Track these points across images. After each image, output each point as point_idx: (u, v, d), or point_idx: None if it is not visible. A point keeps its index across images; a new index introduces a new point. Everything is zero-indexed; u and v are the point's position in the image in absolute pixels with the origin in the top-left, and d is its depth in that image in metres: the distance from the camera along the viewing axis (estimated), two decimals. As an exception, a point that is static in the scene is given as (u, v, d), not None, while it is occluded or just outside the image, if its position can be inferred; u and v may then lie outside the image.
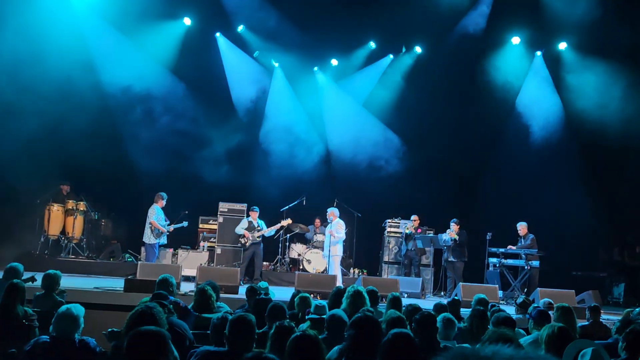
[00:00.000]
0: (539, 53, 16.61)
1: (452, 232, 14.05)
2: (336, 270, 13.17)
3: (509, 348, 1.22)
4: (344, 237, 13.65)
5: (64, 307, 4.96)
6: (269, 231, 14.13)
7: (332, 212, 13.51)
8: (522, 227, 13.94)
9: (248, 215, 14.30)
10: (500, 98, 16.59)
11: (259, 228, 14.04)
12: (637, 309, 7.80)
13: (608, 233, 16.38)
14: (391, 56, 17.09)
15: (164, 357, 3.47)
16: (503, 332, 4.45)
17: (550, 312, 7.54)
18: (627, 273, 16.07)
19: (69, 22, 14.55)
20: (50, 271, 7.75)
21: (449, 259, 14.17)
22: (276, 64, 16.88)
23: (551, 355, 1.21)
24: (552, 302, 8.62)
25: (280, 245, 15.37)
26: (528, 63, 16.74)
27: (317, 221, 15.80)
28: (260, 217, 14.17)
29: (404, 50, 16.96)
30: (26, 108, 13.53)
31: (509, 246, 13.84)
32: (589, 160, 16.12)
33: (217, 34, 16.33)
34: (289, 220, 14.38)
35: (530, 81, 16.78)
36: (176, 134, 15.81)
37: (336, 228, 13.28)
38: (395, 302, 7.16)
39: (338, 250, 13.35)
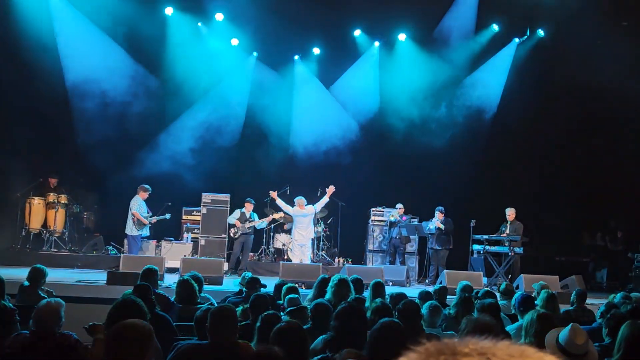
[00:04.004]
0: (517, 40, 16.64)
1: (437, 222, 14.11)
2: (295, 256, 13.95)
3: (487, 340, 1.18)
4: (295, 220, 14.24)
5: (44, 301, 4.89)
6: (260, 223, 14.13)
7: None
8: (510, 213, 13.91)
9: (242, 207, 14.27)
10: (481, 85, 16.64)
11: (250, 219, 14.03)
12: (620, 294, 7.86)
13: (591, 218, 16.49)
14: (377, 44, 17.01)
15: (147, 350, 3.41)
16: (481, 319, 4.43)
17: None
18: (610, 258, 16.21)
19: (41, 13, 14.45)
20: (37, 265, 7.69)
21: (434, 247, 14.23)
22: (255, 54, 16.73)
23: (529, 346, 1.19)
24: (547, 283, 8.66)
25: (264, 235, 15.33)
26: (506, 49, 16.77)
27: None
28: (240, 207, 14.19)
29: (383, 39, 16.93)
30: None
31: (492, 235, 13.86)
32: (571, 145, 16.21)
33: (199, 24, 16.15)
34: (281, 214, 14.41)
35: (506, 67, 16.79)
36: (156, 124, 15.70)
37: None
38: (377, 288, 7.15)
39: (295, 235, 14.16)
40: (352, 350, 3.85)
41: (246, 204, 14.20)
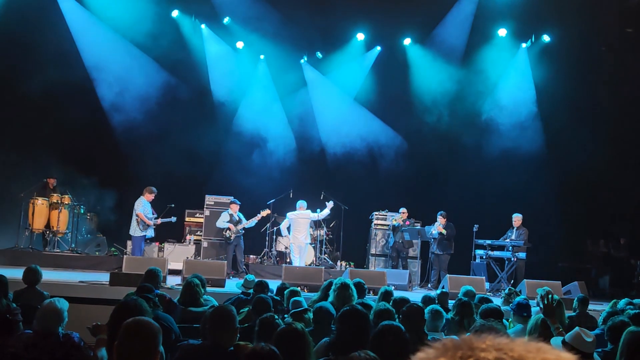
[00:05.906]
0: (524, 45, 16.59)
1: (440, 227, 14.09)
2: (294, 258, 14.11)
3: (502, 337, 1.20)
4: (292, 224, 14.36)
5: (47, 301, 4.90)
6: (249, 223, 14.10)
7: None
8: (517, 219, 13.90)
9: (228, 208, 14.25)
10: (486, 90, 16.62)
11: (240, 221, 14.02)
12: (623, 300, 7.84)
13: (594, 225, 16.45)
14: (378, 48, 17.00)
15: (157, 348, 3.39)
16: (490, 324, 4.43)
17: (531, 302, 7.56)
18: (612, 264, 16.18)
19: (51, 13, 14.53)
20: (32, 265, 7.66)
21: (435, 252, 14.22)
22: (262, 56, 16.75)
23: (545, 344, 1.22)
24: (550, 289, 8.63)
25: (267, 238, 15.31)
26: (512, 56, 16.70)
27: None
28: (247, 210, 14.13)
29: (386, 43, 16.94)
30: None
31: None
32: (573, 151, 16.19)
33: (202, 26, 16.18)
34: (268, 211, 14.30)
35: (511, 74, 16.73)
36: (159, 126, 15.72)
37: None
38: (386, 296, 7.18)
39: (291, 238, 14.35)
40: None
41: (232, 205, 14.11)
